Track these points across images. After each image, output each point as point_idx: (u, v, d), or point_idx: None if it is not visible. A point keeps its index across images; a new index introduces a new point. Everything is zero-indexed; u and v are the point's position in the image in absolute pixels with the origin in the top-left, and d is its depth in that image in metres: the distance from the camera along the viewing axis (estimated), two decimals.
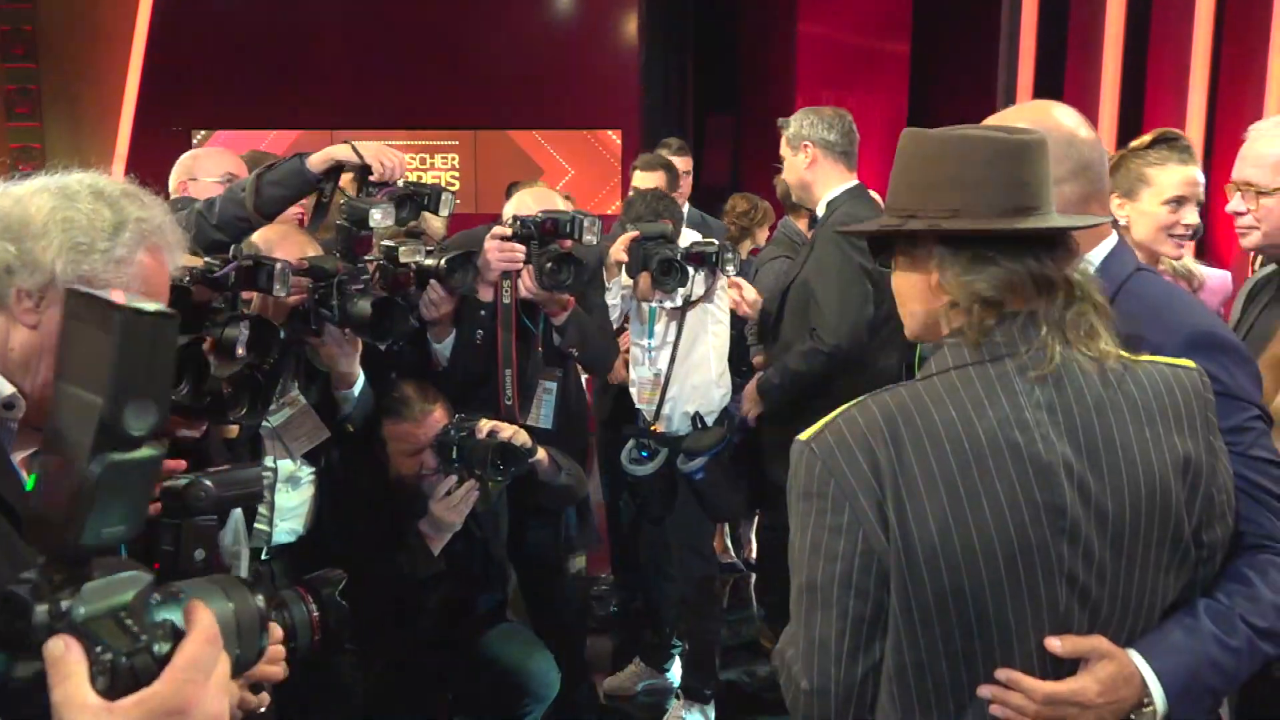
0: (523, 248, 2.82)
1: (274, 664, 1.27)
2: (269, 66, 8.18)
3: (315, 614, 1.37)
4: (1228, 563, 1.35)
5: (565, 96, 8.50)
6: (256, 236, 2.39)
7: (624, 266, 3.19)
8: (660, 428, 3.31)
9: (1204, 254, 5.94)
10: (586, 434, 3.60)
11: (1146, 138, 2.51)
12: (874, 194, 3.32)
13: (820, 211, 3.31)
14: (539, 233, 2.82)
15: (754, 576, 4.56)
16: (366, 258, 2.53)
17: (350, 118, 8.43)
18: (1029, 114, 1.56)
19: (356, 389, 2.51)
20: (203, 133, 8.33)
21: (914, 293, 1.33)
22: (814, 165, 3.25)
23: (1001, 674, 1.24)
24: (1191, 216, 2.43)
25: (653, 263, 3.11)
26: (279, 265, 2.10)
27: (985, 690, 1.24)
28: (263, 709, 1.11)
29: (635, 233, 3.18)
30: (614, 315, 3.31)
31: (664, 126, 8.73)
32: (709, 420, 3.31)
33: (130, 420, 0.78)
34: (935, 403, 1.24)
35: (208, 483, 1.47)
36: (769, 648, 4.07)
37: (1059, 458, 1.22)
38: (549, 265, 2.78)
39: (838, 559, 1.23)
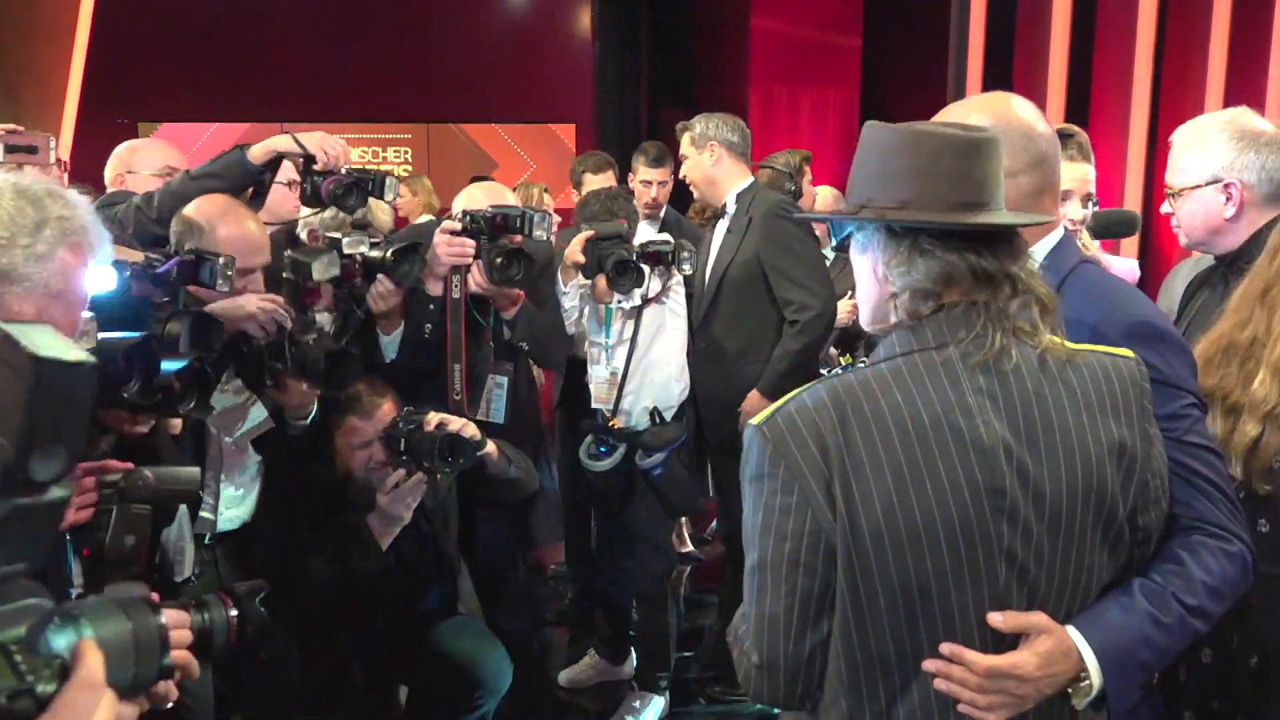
0: (472, 243, 2.82)
1: (185, 664, 1.30)
2: (217, 58, 8.05)
3: (234, 619, 1.41)
4: (1162, 544, 1.39)
5: (519, 90, 8.46)
6: (193, 210, 2.34)
7: (581, 268, 3.16)
8: (619, 423, 3.32)
9: (1147, 249, 6.06)
10: (540, 427, 3.59)
11: None
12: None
13: (731, 205, 3.55)
14: (489, 228, 2.82)
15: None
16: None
17: (301, 110, 8.32)
18: (988, 105, 1.58)
19: (309, 419, 2.53)
20: (150, 125, 8.19)
21: (864, 280, 1.38)
22: (718, 163, 3.55)
23: (945, 648, 1.28)
24: (1075, 211, 2.63)
25: (608, 263, 3.09)
26: (221, 260, 2.08)
27: (929, 665, 1.28)
28: (170, 703, 1.12)
29: (590, 232, 3.16)
30: (571, 318, 3.27)
31: (618, 120, 8.73)
32: (667, 416, 3.33)
33: (36, 467, 0.80)
34: (881, 388, 1.28)
35: (148, 473, 1.48)
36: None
37: (999, 441, 1.26)
38: (499, 260, 2.78)
39: (787, 538, 1.27)
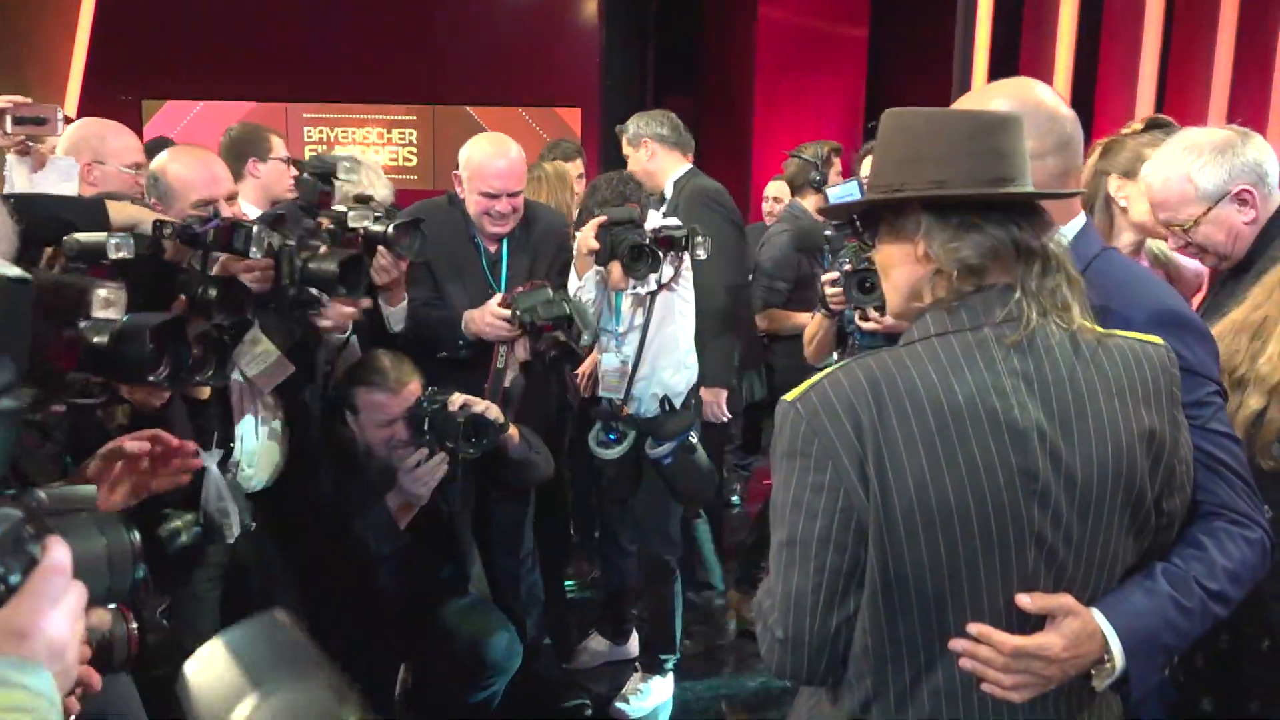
0: (516, 330, 2.96)
1: (88, 674, 1.30)
2: (223, 36, 8.02)
3: (134, 631, 1.41)
4: (1185, 529, 1.42)
5: (525, 73, 8.43)
6: (160, 164, 2.35)
7: (594, 254, 3.12)
8: (628, 410, 3.33)
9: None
10: (565, 412, 3.62)
11: (1137, 124, 2.56)
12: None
13: (668, 193, 3.87)
14: (534, 329, 2.95)
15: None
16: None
17: (306, 90, 8.31)
18: (1010, 89, 1.60)
19: (348, 332, 2.54)
20: (154, 103, 8.17)
21: (899, 264, 1.38)
22: (654, 158, 3.87)
23: (972, 628, 1.29)
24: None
25: (622, 249, 3.06)
26: (256, 228, 2.09)
27: (956, 644, 1.30)
28: (73, 717, 1.15)
29: (603, 218, 3.12)
30: (591, 309, 3.20)
31: (624, 107, 8.72)
32: (676, 403, 3.33)
33: None
34: (916, 367, 1.29)
35: (41, 494, 1.46)
36: (733, 611, 4.15)
37: (1033, 424, 1.28)
38: (552, 354, 2.95)
39: (818, 515, 1.28)
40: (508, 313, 2.93)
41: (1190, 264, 2.73)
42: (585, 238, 3.12)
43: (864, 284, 2.85)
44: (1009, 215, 1.32)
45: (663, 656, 3.60)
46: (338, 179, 2.52)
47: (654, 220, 3.29)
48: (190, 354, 1.69)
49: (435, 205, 3.29)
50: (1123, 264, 1.66)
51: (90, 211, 2.00)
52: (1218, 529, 1.41)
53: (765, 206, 5.57)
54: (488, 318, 2.99)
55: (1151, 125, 2.52)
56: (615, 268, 3.11)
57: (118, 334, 1.48)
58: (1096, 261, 1.58)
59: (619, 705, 3.52)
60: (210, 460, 2.28)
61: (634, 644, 3.82)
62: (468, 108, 8.52)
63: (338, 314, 2.40)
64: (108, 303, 1.49)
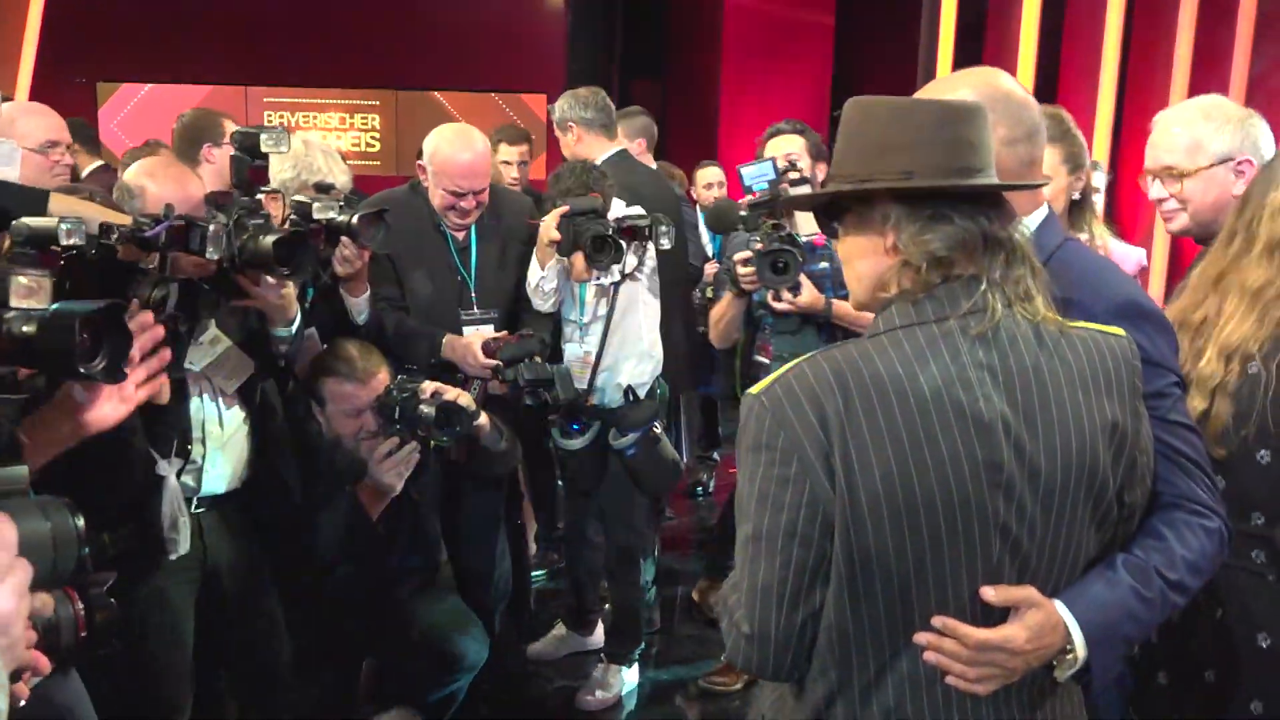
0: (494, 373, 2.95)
1: (36, 657, 1.28)
2: (181, 16, 7.86)
3: (81, 612, 1.38)
4: (1145, 520, 1.43)
5: (491, 59, 8.35)
6: (130, 174, 2.25)
7: (556, 245, 3.08)
8: (592, 401, 3.30)
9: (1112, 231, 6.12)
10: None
11: None
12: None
13: None
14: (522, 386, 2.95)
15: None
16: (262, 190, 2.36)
17: (266, 74, 8.18)
18: (976, 78, 1.58)
19: (295, 325, 2.43)
20: (109, 86, 8.00)
21: (865, 255, 1.36)
22: (580, 141, 3.78)
23: (937, 621, 1.29)
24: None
25: (585, 239, 3.02)
26: (212, 227, 2.03)
27: (921, 637, 1.29)
28: (22, 701, 1.14)
29: (565, 208, 3.07)
30: (550, 302, 3.20)
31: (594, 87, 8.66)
32: (641, 393, 3.31)
33: None
34: (882, 359, 1.28)
35: None
36: (698, 602, 4.14)
37: (998, 416, 1.27)
38: (527, 391, 2.94)
39: (784, 509, 1.27)
40: (494, 363, 2.93)
41: (1131, 251, 2.75)
42: (547, 228, 3.08)
43: (777, 264, 2.84)
44: (978, 206, 1.31)
45: (628, 647, 3.59)
46: (264, 152, 2.36)
47: (617, 210, 3.26)
48: (130, 344, 1.59)
49: (398, 194, 3.23)
50: (1085, 255, 1.66)
51: (31, 201, 1.93)
52: (1177, 520, 1.42)
53: (697, 194, 5.41)
54: (470, 359, 2.97)
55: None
56: (578, 258, 3.07)
57: (44, 323, 1.39)
58: (1059, 252, 1.58)
59: (584, 696, 3.50)
60: (169, 470, 2.23)
61: (599, 634, 3.81)
62: (432, 92, 8.42)
63: (264, 292, 2.28)
64: (30, 290, 1.40)
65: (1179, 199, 2.23)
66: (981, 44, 6.76)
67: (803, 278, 2.91)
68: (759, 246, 2.86)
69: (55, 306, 1.41)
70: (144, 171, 2.28)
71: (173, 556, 2.26)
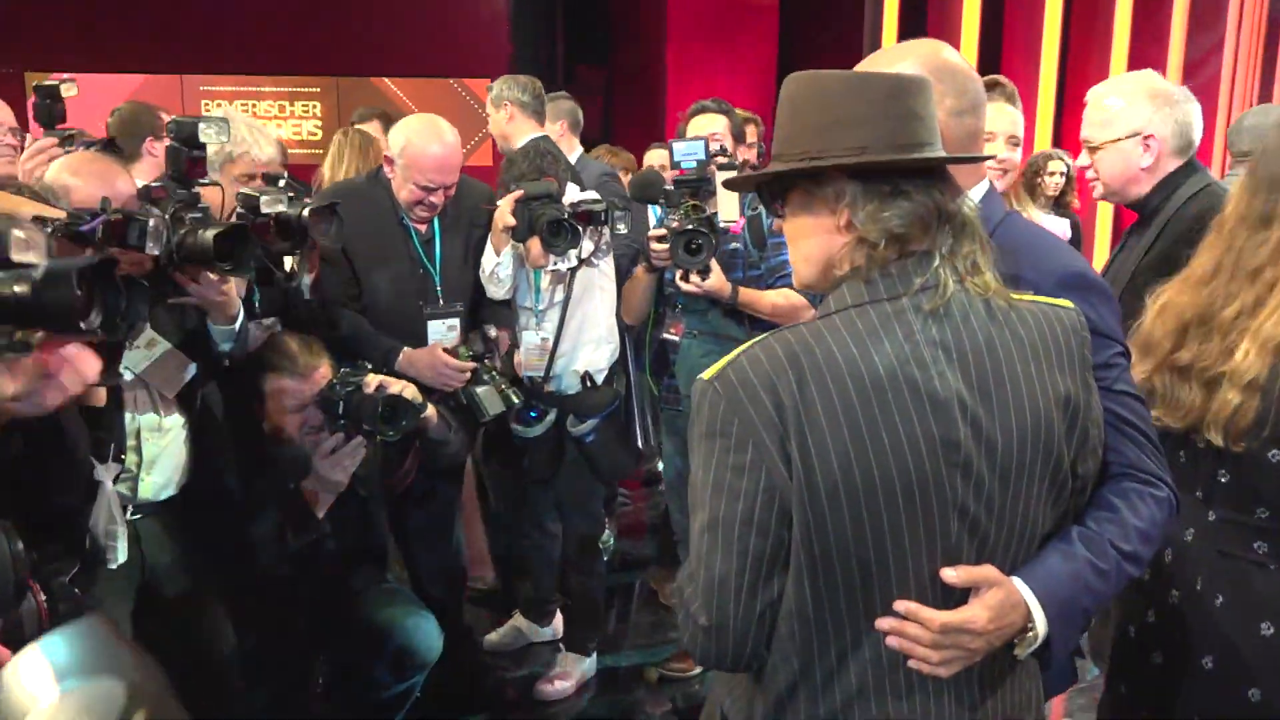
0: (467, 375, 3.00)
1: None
2: (113, 3, 7.63)
3: (45, 607, 1.37)
4: (1096, 491, 1.43)
5: (433, 44, 8.22)
6: (58, 179, 2.15)
7: (511, 230, 3.03)
8: (549, 388, 3.26)
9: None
10: None
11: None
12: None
13: None
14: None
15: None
16: (200, 183, 2.29)
17: (202, 62, 7.98)
18: (918, 50, 1.56)
19: (238, 323, 2.36)
20: (38, 75, 7.75)
21: (813, 234, 1.33)
22: (512, 120, 4.03)
23: (900, 605, 1.27)
24: (999, 150, 2.68)
25: (540, 224, 2.98)
26: (152, 221, 1.95)
27: (883, 623, 1.28)
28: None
29: (519, 193, 3.02)
30: (505, 289, 3.15)
31: (534, 76, 8.56)
32: (598, 379, 3.28)
33: None
34: (836, 340, 1.25)
35: None
36: (655, 589, 4.14)
37: (953, 394, 1.25)
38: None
39: (740, 497, 1.25)
40: (468, 365, 2.94)
41: (1056, 222, 2.86)
42: (502, 213, 3.03)
43: (690, 245, 2.87)
44: (931, 181, 1.29)
45: (586, 636, 3.57)
46: (203, 143, 2.28)
47: (572, 194, 3.22)
48: (122, 299, 1.51)
49: (357, 185, 3.17)
50: (1026, 227, 1.66)
51: None
52: (1128, 489, 1.43)
53: None
54: (440, 367, 2.93)
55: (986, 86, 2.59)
56: (534, 244, 3.03)
57: (41, 280, 1.32)
58: (1001, 226, 1.57)
59: (543, 686, 3.47)
60: (106, 475, 2.15)
61: (558, 624, 3.78)
62: (374, 78, 8.28)
63: (203, 289, 2.21)
64: (26, 245, 1.33)
65: (1094, 169, 2.45)
66: (925, 23, 6.79)
67: (713, 263, 2.91)
68: (674, 224, 2.87)
69: (47, 263, 1.34)
70: (67, 169, 2.17)
71: (111, 566, 2.19)
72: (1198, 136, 2.48)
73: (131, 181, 2.18)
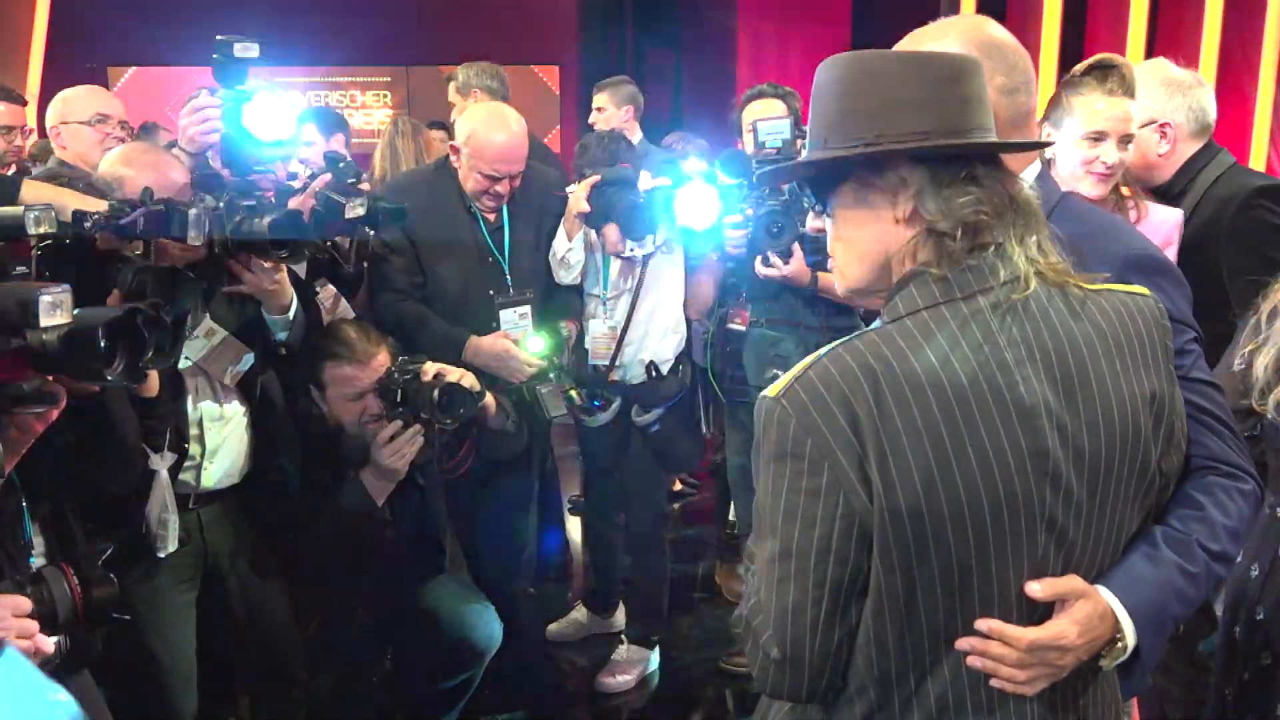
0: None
1: (26, 638, 1.29)
2: None
3: (78, 590, 1.39)
4: (1178, 486, 1.34)
5: (501, 31, 8.23)
6: (108, 164, 2.18)
7: (586, 217, 2.98)
8: (614, 377, 3.21)
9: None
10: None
11: (1082, 65, 2.40)
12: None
13: None
14: None
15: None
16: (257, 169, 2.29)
17: (273, 54, 8.09)
18: (964, 27, 1.46)
19: (291, 312, 2.37)
20: (120, 70, 7.96)
21: (869, 229, 1.24)
22: None
23: (983, 624, 1.19)
24: (1110, 154, 2.31)
25: (618, 210, 2.93)
26: (193, 212, 1.96)
27: (964, 643, 1.20)
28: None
29: (595, 178, 2.97)
30: (574, 274, 3.10)
31: (603, 62, 8.53)
32: (664, 369, 3.22)
33: None
34: (911, 347, 1.16)
35: None
36: (720, 585, 4.08)
37: (1040, 399, 1.17)
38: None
39: (816, 524, 1.15)
40: (540, 361, 2.90)
41: (1168, 218, 2.70)
42: (577, 198, 2.99)
43: (772, 227, 2.81)
44: (998, 165, 1.21)
45: (649, 628, 3.53)
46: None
47: (647, 181, 3.17)
48: (147, 344, 1.61)
49: (422, 175, 3.16)
50: (1086, 209, 1.56)
51: (1, 189, 1.87)
52: (1213, 485, 1.34)
53: None
54: (506, 358, 2.90)
55: (1093, 68, 2.35)
56: (610, 230, 2.98)
57: (67, 337, 1.43)
58: (1061, 206, 1.49)
59: (605, 679, 3.44)
60: (161, 465, 2.17)
61: (620, 616, 3.75)
62: (443, 68, 8.31)
63: (256, 278, 2.21)
64: (54, 307, 1.43)
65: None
66: (1005, 6, 6.57)
67: (795, 246, 2.83)
68: (750, 211, 2.81)
69: (76, 313, 1.46)
70: (121, 160, 2.19)
71: (161, 555, 2.21)
72: (1213, 119, 2.57)
73: (185, 171, 2.19)
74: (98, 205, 1.88)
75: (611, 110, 4.52)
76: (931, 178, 1.19)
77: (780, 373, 3.45)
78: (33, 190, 1.91)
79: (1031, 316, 1.19)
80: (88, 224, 1.75)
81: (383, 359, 2.56)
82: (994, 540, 1.16)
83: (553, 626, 3.76)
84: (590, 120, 4.62)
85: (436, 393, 2.46)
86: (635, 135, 4.31)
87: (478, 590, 2.92)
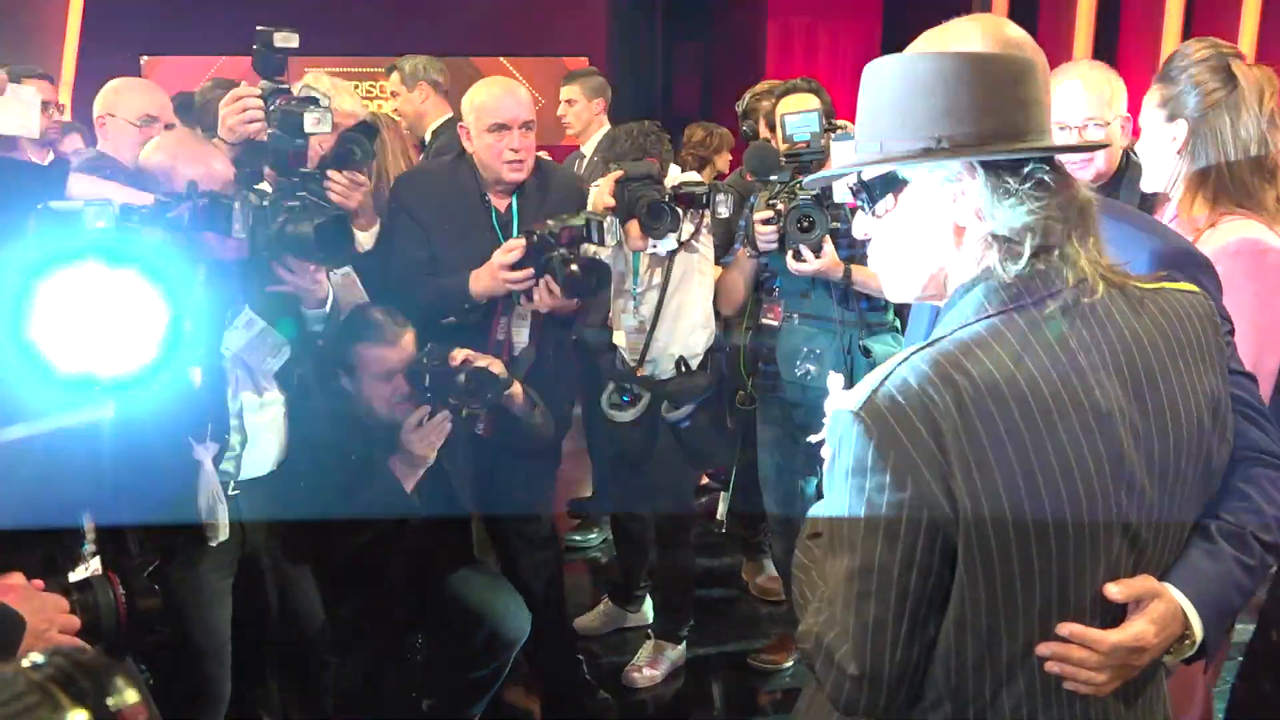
0: (530, 271, 2.76)
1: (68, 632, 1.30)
2: None
3: (122, 598, 1.40)
4: (1224, 479, 1.33)
5: (530, 22, 8.24)
6: (154, 159, 2.19)
7: (611, 212, 2.97)
8: (643, 372, 3.21)
9: None
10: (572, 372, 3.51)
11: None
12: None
13: (427, 138, 4.09)
14: (558, 243, 2.75)
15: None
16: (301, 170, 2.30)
17: (307, 43, 8.12)
18: (988, 27, 1.36)
19: (328, 305, 2.40)
20: (155, 59, 8.02)
21: (927, 234, 1.22)
22: (427, 100, 4.08)
23: (1065, 629, 1.18)
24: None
25: (640, 206, 2.92)
26: (238, 205, 1.97)
27: (1044, 649, 1.19)
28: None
29: (619, 173, 2.96)
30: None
31: (632, 55, 8.52)
32: (693, 365, 3.21)
33: None
34: (988, 355, 1.14)
35: None
36: (748, 582, 4.07)
37: (1115, 404, 1.16)
38: (566, 277, 2.74)
39: (899, 538, 1.14)
40: (518, 249, 2.76)
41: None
42: (601, 194, 2.99)
43: (803, 222, 2.80)
44: (1058, 168, 1.20)
45: (677, 624, 3.53)
46: (308, 133, 2.31)
47: (674, 176, 3.15)
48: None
49: (441, 164, 3.17)
50: (1116, 206, 1.57)
51: (50, 181, 1.89)
52: (1258, 476, 1.33)
53: None
54: (497, 270, 2.80)
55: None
56: (634, 226, 2.97)
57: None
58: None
59: (631, 674, 3.44)
60: (205, 455, 2.19)
61: (647, 610, 3.76)
62: (471, 58, 8.33)
63: (297, 277, 2.25)
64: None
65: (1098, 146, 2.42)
66: (1037, 2, 6.52)
67: (826, 240, 2.82)
68: (780, 207, 2.79)
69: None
70: (164, 152, 2.19)
71: (213, 544, 2.24)
72: None
73: (228, 163, 2.21)
74: (145, 199, 1.90)
75: (582, 103, 4.48)
76: (995, 183, 1.17)
77: (813, 369, 3.37)
78: (80, 183, 1.93)
79: (1099, 319, 1.18)
80: (135, 219, 1.77)
81: (410, 338, 2.60)
82: (1074, 546, 1.16)
83: (581, 619, 3.77)
84: (559, 113, 4.56)
85: (463, 377, 2.48)
86: (603, 129, 4.29)
87: (506, 580, 2.93)
